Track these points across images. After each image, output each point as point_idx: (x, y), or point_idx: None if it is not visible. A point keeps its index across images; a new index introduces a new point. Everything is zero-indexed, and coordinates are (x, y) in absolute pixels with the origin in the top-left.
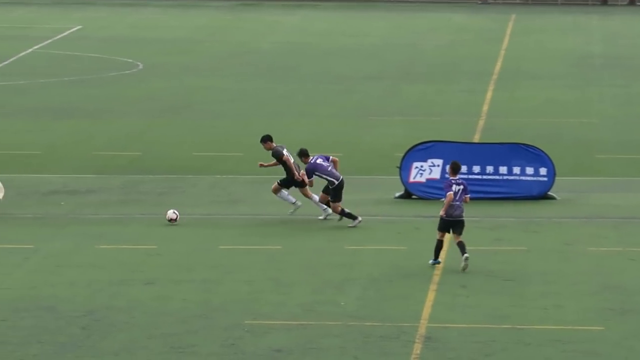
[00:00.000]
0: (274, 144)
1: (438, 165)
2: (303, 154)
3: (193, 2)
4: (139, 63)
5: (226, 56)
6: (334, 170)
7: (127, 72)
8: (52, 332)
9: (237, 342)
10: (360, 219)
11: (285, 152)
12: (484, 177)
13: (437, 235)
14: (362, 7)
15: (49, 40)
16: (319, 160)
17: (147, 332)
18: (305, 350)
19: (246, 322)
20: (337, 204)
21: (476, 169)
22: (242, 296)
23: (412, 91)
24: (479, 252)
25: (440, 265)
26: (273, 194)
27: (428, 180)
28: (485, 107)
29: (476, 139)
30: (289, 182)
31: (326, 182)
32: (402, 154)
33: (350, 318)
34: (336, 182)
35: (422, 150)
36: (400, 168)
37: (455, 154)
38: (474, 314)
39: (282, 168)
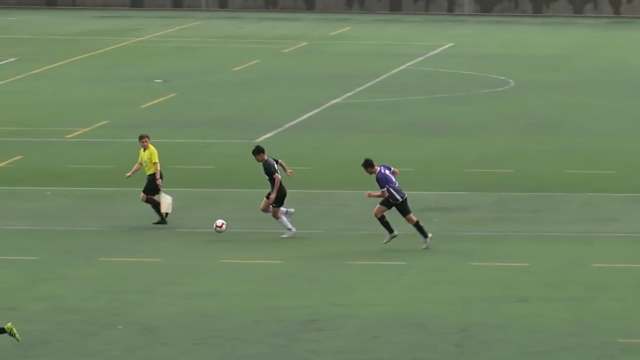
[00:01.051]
0: (267, 157)
1: None
2: (369, 164)
3: (565, 19)
4: (510, 80)
5: (598, 73)
6: (399, 187)
7: (498, 89)
8: (425, 349)
9: None
10: (396, 233)
11: (275, 167)
12: None
13: None
14: None
15: (421, 58)
16: (388, 172)
17: (520, 349)
18: None
19: (618, 340)
20: (410, 215)
21: None
22: (614, 314)
23: None
24: None
25: None
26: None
27: None
28: None
29: None
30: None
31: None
32: None
33: None
34: (400, 200)
35: None
36: None
37: None
38: None
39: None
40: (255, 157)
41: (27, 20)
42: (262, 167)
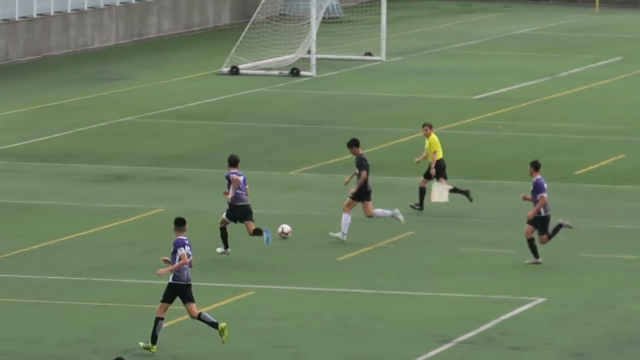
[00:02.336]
0: (361, 151)
1: None
2: (537, 166)
3: None
4: None
5: None
6: None
7: None
8: None
9: None
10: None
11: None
12: None
13: None
14: None
15: None
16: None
17: None
18: None
19: None
20: (545, 236)
21: None
22: None
23: None
24: None
25: None
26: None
27: None
28: None
29: None
30: (362, 194)
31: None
32: None
33: None
34: (546, 214)
35: None
36: None
37: None
38: None
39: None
40: (350, 150)
41: (635, 19)
42: (354, 160)
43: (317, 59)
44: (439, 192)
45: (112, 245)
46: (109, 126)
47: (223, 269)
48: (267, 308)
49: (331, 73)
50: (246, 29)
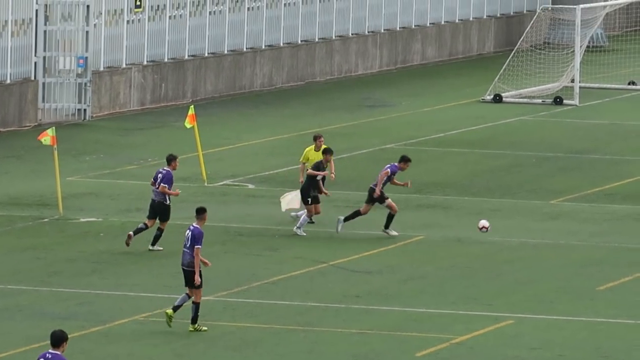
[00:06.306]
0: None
1: None
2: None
3: None
4: None
5: None
6: None
7: None
8: None
9: None
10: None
11: None
12: None
13: None
14: None
15: None
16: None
17: None
18: None
19: None
20: None
21: None
22: None
23: None
24: None
25: None
26: None
27: None
28: None
29: None
30: None
31: None
32: None
33: None
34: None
35: None
36: None
37: None
38: None
39: None
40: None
41: None
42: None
43: (581, 87)
44: (292, 200)
45: (372, 272)
46: (372, 153)
47: (484, 298)
48: (526, 337)
49: (594, 102)
50: (510, 57)
